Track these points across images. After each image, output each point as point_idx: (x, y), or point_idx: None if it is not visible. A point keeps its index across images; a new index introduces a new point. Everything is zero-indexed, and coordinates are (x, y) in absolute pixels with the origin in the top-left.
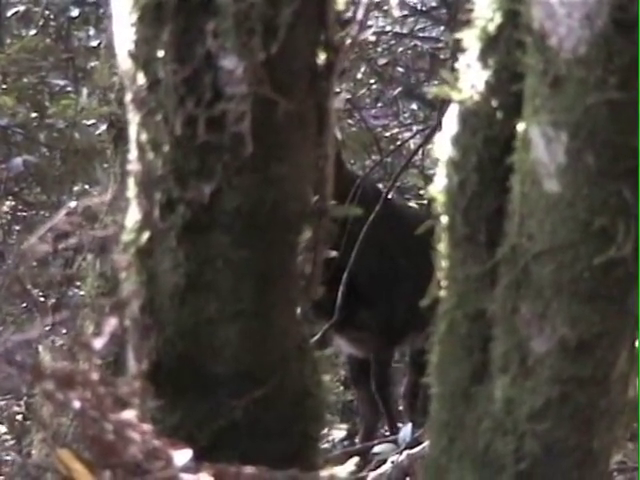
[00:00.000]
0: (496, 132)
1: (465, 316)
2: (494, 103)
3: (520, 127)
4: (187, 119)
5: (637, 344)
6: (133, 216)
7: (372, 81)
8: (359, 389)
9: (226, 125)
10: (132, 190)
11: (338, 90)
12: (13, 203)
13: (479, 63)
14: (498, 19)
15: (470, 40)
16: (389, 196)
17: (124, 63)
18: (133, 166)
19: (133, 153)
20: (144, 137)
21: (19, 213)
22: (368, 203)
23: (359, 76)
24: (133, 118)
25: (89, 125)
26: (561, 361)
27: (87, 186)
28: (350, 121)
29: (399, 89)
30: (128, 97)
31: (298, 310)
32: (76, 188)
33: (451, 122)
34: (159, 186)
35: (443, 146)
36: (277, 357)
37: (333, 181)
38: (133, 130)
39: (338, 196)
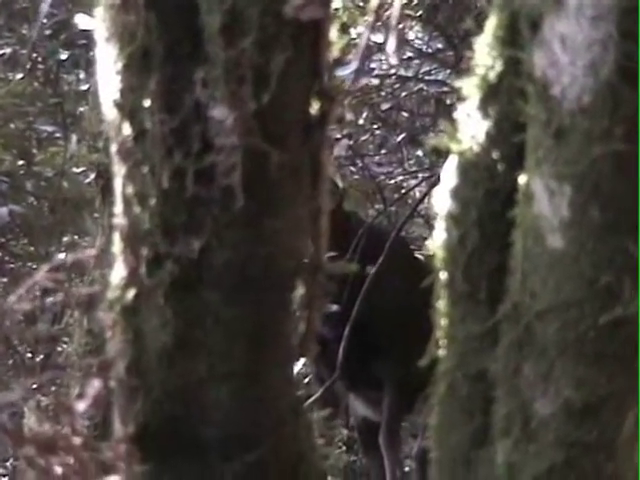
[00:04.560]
0: (497, 185)
1: (465, 377)
2: (495, 155)
3: (522, 180)
4: (175, 171)
5: None
6: (119, 272)
7: (375, 127)
8: (370, 454)
9: (216, 178)
10: (118, 245)
11: (339, 136)
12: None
13: (479, 113)
14: (499, 67)
15: (470, 89)
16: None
17: (109, 113)
18: (119, 220)
19: (119, 207)
20: (130, 190)
21: (6, 265)
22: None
23: (361, 122)
24: (119, 170)
25: (78, 173)
26: (566, 424)
27: (76, 237)
28: (353, 169)
29: (403, 135)
30: (113, 148)
31: (292, 370)
32: (65, 239)
33: (450, 174)
34: (146, 241)
35: (442, 199)
36: (270, 419)
37: (338, 232)
38: (119, 183)
39: (342, 247)
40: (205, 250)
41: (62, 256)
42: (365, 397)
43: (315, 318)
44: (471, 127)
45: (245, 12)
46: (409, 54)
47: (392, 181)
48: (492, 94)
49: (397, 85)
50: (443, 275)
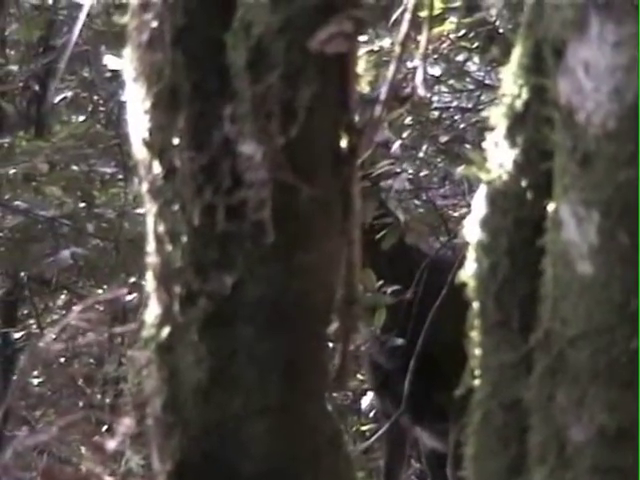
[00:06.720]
0: (527, 213)
1: (500, 406)
2: (524, 183)
3: (550, 207)
4: (206, 208)
5: None
6: (153, 310)
7: (439, 160)
8: None
9: (246, 213)
10: (151, 284)
11: (399, 170)
12: (67, 297)
13: (507, 141)
14: (525, 95)
15: (497, 117)
16: None
17: (139, 152)
18: (151, 259)
19: (151, 245)
20: (161, 228)
21: (72, 307)
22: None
23: (422, 154)
24: (150, 209)
25: (139, 214)
26: (601, 450)
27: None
28: (417, 202)
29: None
30: (144, 187)
31: (328, 403)
32: (131, 279)
33: (480, 203)
34: (178, 278)
35: (472, 229)
36: (307, 453)
37: (400, 265)
38: (150, 221)
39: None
40: (238, 286)
41: (91, 300)
42: (431, 429)
43: (349, 351)
44: (499, 156)
45: (270, 47)
46: (470, 86)
47: (457, 213)
48: (519, 122)
49: (457, 117)
50: (475, 304)
